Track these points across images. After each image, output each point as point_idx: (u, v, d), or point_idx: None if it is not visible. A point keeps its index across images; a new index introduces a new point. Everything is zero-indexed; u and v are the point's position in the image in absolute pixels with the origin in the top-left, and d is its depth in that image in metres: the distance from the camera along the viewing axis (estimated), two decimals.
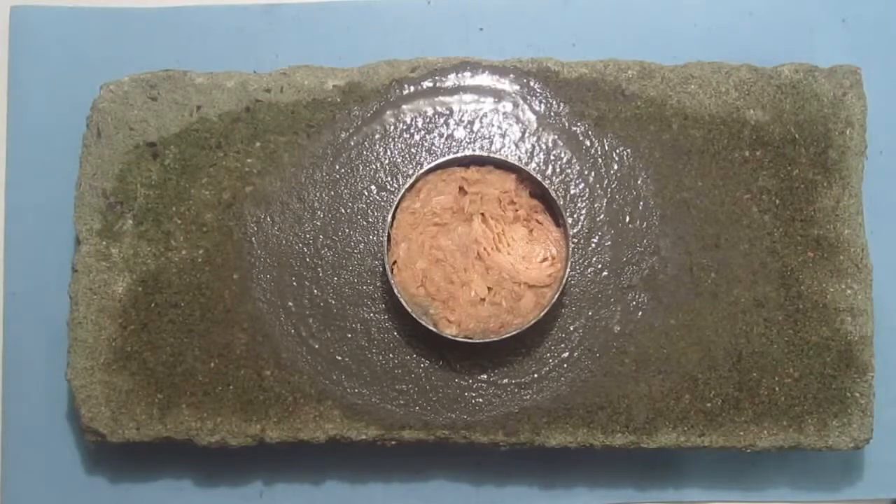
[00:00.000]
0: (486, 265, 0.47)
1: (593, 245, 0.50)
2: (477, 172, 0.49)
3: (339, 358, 0.49)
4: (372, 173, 0.50)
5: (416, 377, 0.49)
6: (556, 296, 0.47)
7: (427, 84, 0.51)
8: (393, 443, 0.49)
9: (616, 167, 0.50)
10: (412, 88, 0.51)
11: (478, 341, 0.47)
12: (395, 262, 0.48)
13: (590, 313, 0.49)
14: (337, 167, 0.50)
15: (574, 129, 0.51)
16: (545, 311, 0.47)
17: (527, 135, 0.51)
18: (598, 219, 0.50)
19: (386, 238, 0.47)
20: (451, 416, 0.48)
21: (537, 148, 0.51)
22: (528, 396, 0.49)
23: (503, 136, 0.51)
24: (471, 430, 0.48)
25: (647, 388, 0.49)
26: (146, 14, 0.56)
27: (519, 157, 0.50)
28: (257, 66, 0.53)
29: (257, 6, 0.56)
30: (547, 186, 0.48)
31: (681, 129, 0.51)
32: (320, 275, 0.50)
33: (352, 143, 0.51)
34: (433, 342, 0.48)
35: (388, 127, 0.51)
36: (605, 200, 0.50)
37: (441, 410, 0.48)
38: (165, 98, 0.51)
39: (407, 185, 0.48)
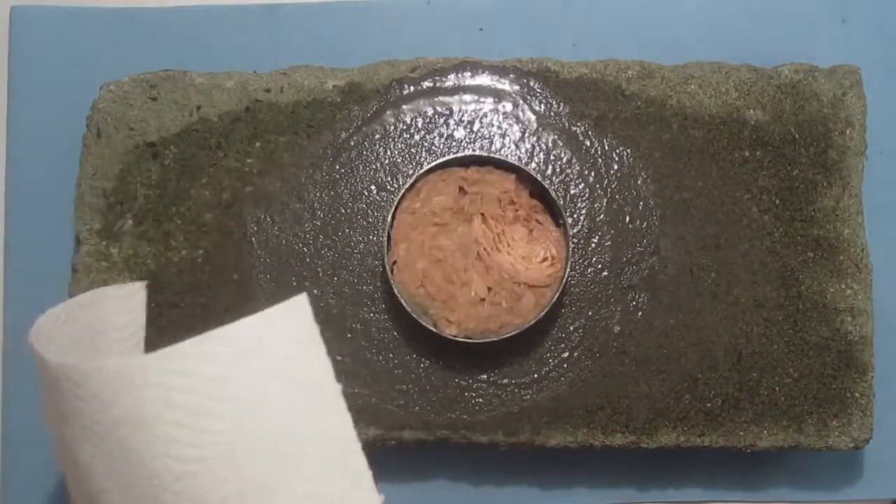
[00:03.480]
0: (486, 265, 0.47)
1: (593, 245, 0.50)
2: (477, 172, 0.49)
3: (339, 358, 0.49)
4: (372, 173, 0.50)
5: (416, 377, 0.49)
6: (556, 296, 0.47)
7: (427, 84, 0.51)
8: (393, 443, 0.49)
9: (616, 167, 0.50)
10: (412, 88, 0.51)
11: (478, 341, 0.47)
12: (395, 262, 0.48)
13: (590, 313, 0.49)
14: (337, 167, 0.50)
15: (574, 129, 0.51)
16: (545, 311, 0.47)
17: (527, 135, 0.51)
18: (598, 219, 0.50)
19: (386, 238, 0.47)
20: (451, 416, 0.48)
21: (537, 148, 0.51)
22: (528, 396, 0.49)
23: (503, 136, 0.51)
24: (471, 430, 0.48)
25: (647, 388, 0.49)
26: (146, 14, 0.56)
27: (519, 157, 0.50)
28: (257, 66, 0.53)
29: (257, 6, 0.56)
30: (547, 186, 0.48)
31: (681, 129, 0.51)
32: (320, 275, 0.50)
33: (352, 143, 0.51)
34: (433, 342, 0.48)
35: (388, 127, 0.51)
36: (605, 200, 0.50)
37: (441, 410, 0.48)
38: (165, 98, 0.51)
39: (407, 185, 0.48)
